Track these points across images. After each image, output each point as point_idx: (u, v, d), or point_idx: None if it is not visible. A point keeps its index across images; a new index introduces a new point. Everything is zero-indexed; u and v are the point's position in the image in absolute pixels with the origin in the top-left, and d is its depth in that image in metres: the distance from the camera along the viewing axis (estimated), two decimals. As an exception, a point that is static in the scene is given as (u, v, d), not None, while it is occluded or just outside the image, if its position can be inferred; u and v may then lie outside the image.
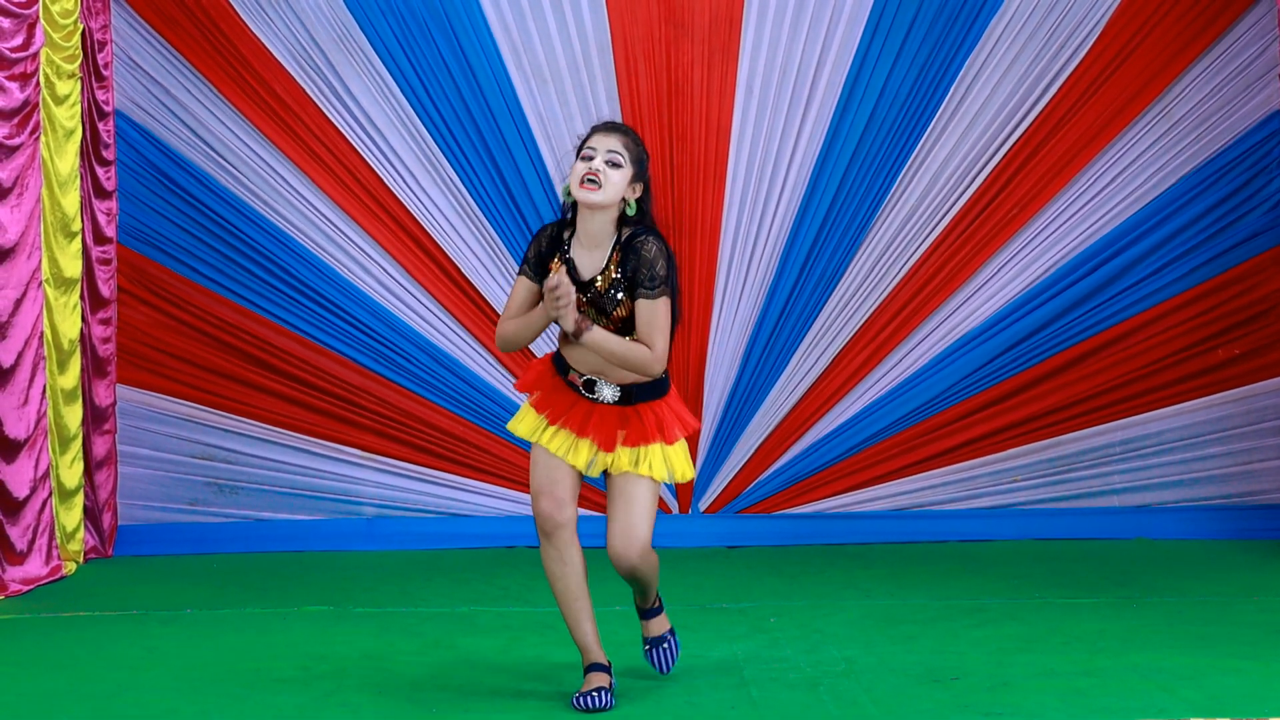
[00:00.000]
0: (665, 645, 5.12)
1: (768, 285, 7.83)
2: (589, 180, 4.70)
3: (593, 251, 4.78)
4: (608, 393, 4.80)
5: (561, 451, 4.81)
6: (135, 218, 7.71)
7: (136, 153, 7.69)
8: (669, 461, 4.86)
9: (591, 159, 4.73)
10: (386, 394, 7.81)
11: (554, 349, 4.98)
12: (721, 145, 7.74)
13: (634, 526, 4.77)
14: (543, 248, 4.84)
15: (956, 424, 7.86)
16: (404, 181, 7.78)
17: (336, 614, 6.24)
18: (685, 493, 7.85)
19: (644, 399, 4.83)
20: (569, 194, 4.78)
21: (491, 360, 7.83)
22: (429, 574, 7.12)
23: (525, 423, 4.90)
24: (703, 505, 7.89)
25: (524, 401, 4.98)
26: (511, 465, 7.85)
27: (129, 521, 7.73)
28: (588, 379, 4.81)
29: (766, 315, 7.84)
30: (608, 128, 4.81)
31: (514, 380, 7.76)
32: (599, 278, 4.76)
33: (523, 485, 7.78)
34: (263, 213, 7.75)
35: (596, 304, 4.76)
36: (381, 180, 7.77)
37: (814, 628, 5.85)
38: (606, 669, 4.82)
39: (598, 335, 4.70)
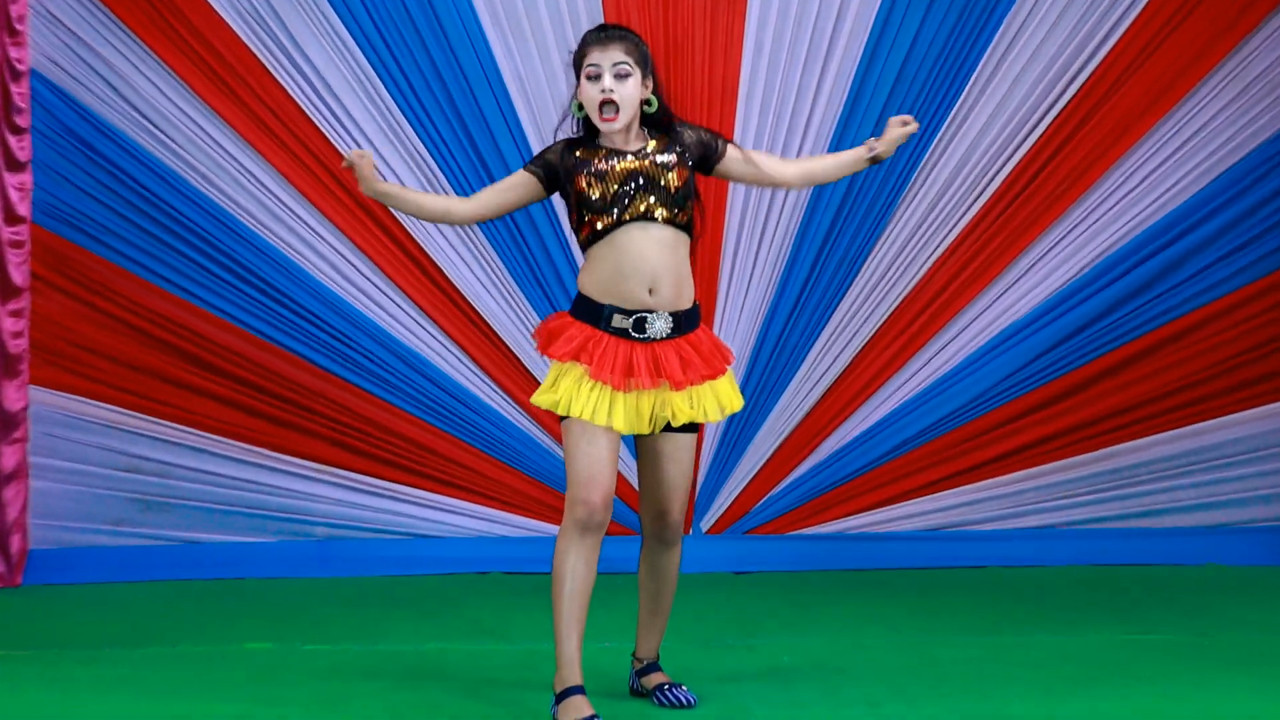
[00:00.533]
0: (680, 686, 5.29)
1: (779, 273, 7.80)
2: (606, 107, 4.99)
3: (628, 145, 5.10)
4: (661, 325, 5.01)
5: (623, 425, 4.99)
6: (52, 194, 7.63)
7: (54, 119, 7.61)
8: (719, 397, 5.10)
9: (598, 77, 5.01)
10: (343, 397, 7.75)
11: (564, 309, 5.21)
12: (727, 110, 7.71)
13: (681, 488, 5.21)
14: (562, 157, 5.11)
15: (996, 432, 7.86)
16: (363, 153, 7.72)
17: (283, 651, 6.15)
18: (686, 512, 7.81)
19: (691, 328, 5.08)
20: (580, 110, 5.09)
21: (466, 360, 7.78)
22: (390, 605, 7.08)
23: (576, 401, 5.00)
24: (705, 526, 7.88)
25: (550, 369, 5.13)
26: (486, 479, 7.80)
27: (42, 545, 7.67)
28: (637, 316, 4.99)
29: (778, 308, 7.81)
30: (603, 38, 5.04)
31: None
32: (648, 150, 5.08)
33: (499, 503, 7.82)
34: (200, 188, 7.66)
35: (649, 175, 5.03)
36: (337, 151, 7.64)
37: (833, 667, 5.80)
38: (584, 692, 4.96)
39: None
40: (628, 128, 5.05)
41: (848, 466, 7.85)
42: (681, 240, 5.04)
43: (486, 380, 7.79)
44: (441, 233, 7.73)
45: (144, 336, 7.69)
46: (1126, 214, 7.80)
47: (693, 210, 5.08)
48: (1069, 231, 7.81)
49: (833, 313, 7.81)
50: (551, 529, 7.67)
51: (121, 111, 7.63)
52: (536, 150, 7.58)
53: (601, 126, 5.01)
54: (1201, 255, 7.81)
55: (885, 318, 7.82)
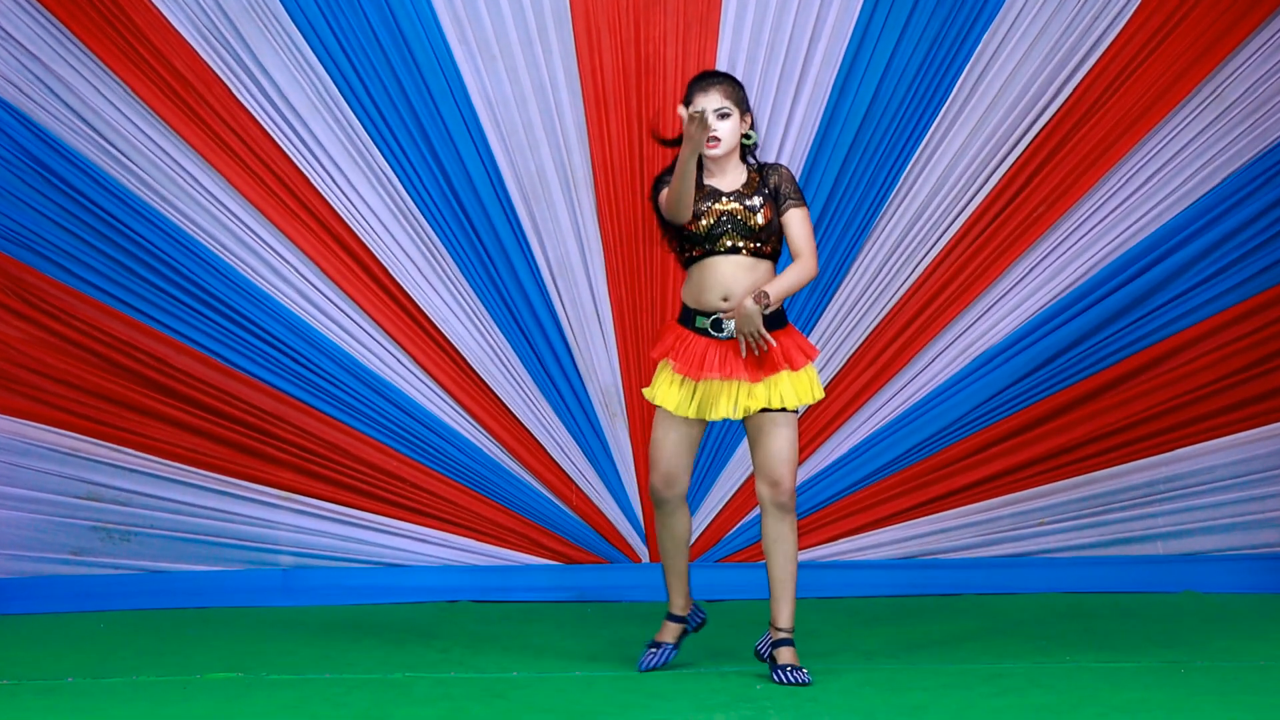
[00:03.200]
0: (801, 669, 6.04)
1: (753, 296, 7.84)
2: (711, 140, 6.04)
3: (725, 176, 6.17)
4: (733, 325, 6.06)
5: (702, 412, 6.09)
6: (8, 216, 7.64)
7: (10, 139, 7.62)
8: (796, 388, 6.08)
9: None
10: (307, 423, 7.80)
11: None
12: (699, 133, 7.75)
13: (786, 458, 6.08)
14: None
15: (972, 458, 7.88)
16: (327, 174, 7.77)
17: (247, 682, 6.19)
18: (655, 540, 7.83)
19: (770, 328, 6.06)
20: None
21: (431, 383, 7.83)
22: (356, 634, 7.09)
23: (668, 395, 6.13)
24: (676, 553, 7.89)
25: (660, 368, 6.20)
26: (454, 506, 7.86)
27: (0, 574, 7.70)
28: (715, 318, 6.08)
29: (753, 333, 7.84)
30: (705, 85, 6.12)
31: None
32: (740, 189, 6.14)
33: (469, 531, 7.87)
34: (160, 210, 7.70)
35: (739, 216, 6.09)
36: (301, 172, 7.74)
37: (806, 695, 5.83)
38: (682, 620, 6.33)
39: (774, 286, 6.06)
40: (728, 156, 6.10)
41: (820, 494, 7.85)
42: (760, 263, 6.11)
43: (454, 406, 7.83)
44: (409, 256, 7.76)
45: (103, 361, 7.69)
46: (1101, 240, 7.76)
47: (774, 240, 6.13)
48: (1043, 258, 7.76)
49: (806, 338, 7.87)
50: (523, 557, 7.81)
51: (79, 132, 7.63)
52: (506, 171, 7.75)
53: (704, 153, 6.02)
54: (1176, 282, 7.75)
55: (858, 346, 7.80)
